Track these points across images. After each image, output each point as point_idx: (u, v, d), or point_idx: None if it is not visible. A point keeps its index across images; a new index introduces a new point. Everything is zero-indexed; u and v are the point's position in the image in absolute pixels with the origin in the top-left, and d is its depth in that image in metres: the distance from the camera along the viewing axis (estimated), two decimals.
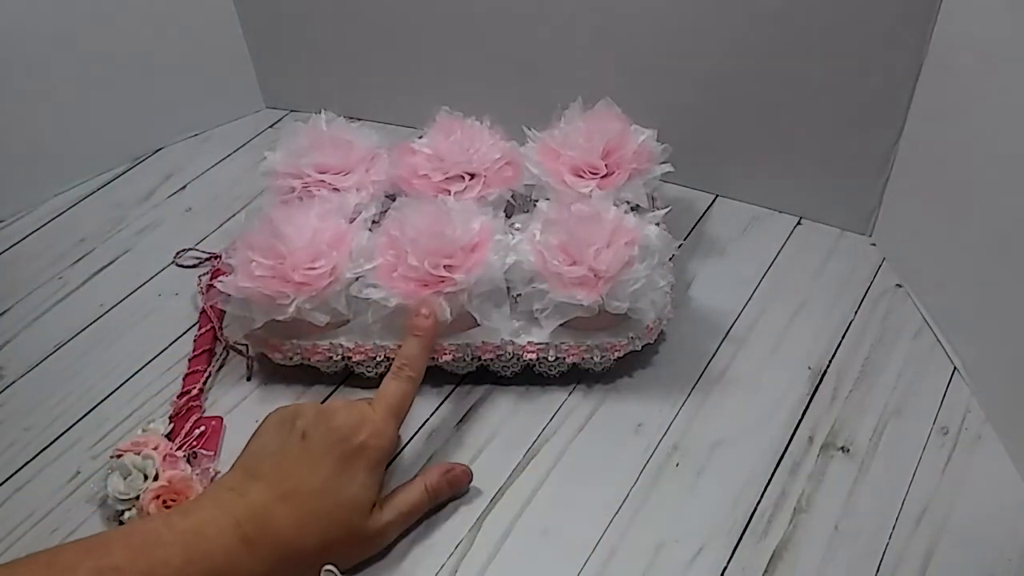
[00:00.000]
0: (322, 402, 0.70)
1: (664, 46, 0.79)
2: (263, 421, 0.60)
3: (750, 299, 0.77)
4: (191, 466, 0.64)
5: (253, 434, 0.59)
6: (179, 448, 0.65)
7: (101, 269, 0.83)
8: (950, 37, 0.67)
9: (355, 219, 0.71)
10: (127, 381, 0.73)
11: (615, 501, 0.63)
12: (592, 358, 0.68)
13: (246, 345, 0.72)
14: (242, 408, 0.70)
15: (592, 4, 0.79)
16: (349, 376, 0.71)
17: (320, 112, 0.77)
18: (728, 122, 0.81)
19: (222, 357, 0.74)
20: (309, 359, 0.69)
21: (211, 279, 0.77)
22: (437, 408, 0.70)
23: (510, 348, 0.68)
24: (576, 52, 0.83)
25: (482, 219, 0.68)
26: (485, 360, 0.69)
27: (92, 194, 0.90)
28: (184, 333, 0.76)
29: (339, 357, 0.69)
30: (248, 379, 0.72)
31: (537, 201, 0.72)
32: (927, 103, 0.71)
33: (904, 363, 0.71)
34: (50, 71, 0.85)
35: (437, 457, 0.66)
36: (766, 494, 0.63)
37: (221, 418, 0.69)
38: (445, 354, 0.68)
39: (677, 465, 0.65)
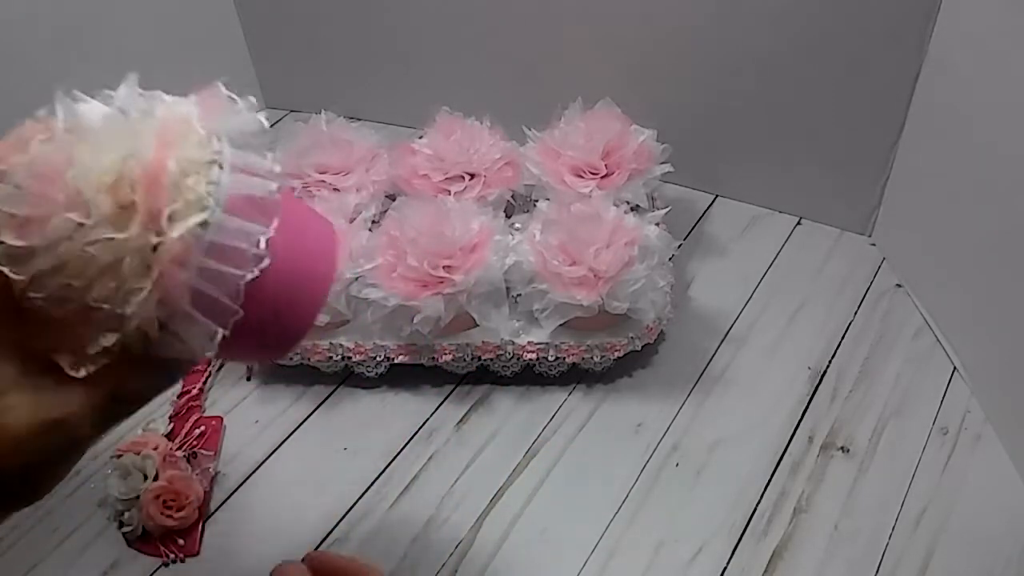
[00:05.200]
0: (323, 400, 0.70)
1: (664, 46, 0.79)
2: None
3: (750, 299, 0.77)
4: (191, 466, 0.64)
5: None
6: (179, 448, 0.65)
7: None
8: (950, 37, 0.67)
9: (355, 219, 0.71)
10: None
11: (615, 501, 0.63)
12: (592, 358, 0.68)
13: None
14: (242, 408, 0.70)
15: (592, 4, 0.79)
16: (349, 376, 0.71)
17: (320, 112, 0.77)
18: (728, 122, 0.81)
19: None
20: (309, 359, 0.69)
21: None
22: (437, 408, 0.70)
23: (510, 348, 0.68)
24: (576, 52, 0.83)
25: (482, 219, 0.68)
26: (485, 360, 0.69)
27: None
28: None
29: (339, 357, 0.69)
30: (248, 379, 0.72)
31: (537, 201, 0.72)
32: (927, 103, 0.71)
33: (904, 363, 0.71)
34: (50, 71, 0.85)
35: (438, 457, 0.67)
36: (766, 494, 0.63)
37: (221, 418, 0.69)
38: (445, 354, 0.68)
39: (677, 465, 0.65)
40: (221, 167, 0.35)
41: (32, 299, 0.34)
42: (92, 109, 0.36)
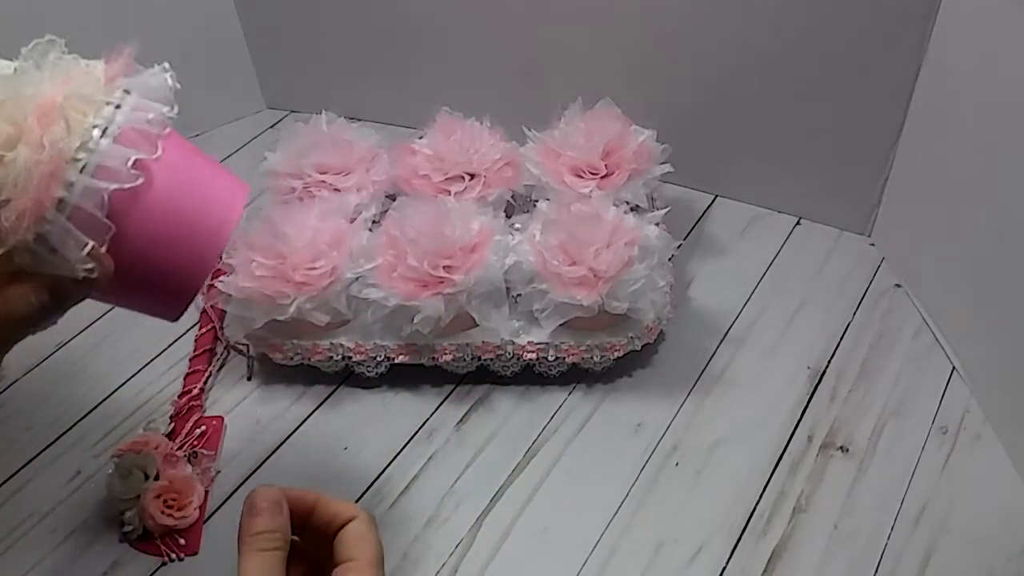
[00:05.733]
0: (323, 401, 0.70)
1: (664, 46, 0.79)
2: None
3: (750, 299, 0.77)
4: (192, 466, 0.64)
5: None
6: (180, 448, 0.65)
7: None
8: (950, 37, 0.67)
9: (355, 219, 0.71)
10: (128, 381, 0.73)
11: (615, 501, 0.63)
12: (592, 358, 0.68)
13: (247, 345, 0.72)
14: (242, 408, 0.70)
15: (592, 4, 0.79)
16: (349, 376, 0.71)
17: (320, 112, 0.78)
18: (728, 122, 0.81)
19: (223, 357, 0.74)
20: (309, 359, 0.69)
21: (212, 279, 0.77)
22: (437, 408, 0.70)
23: (510, 348, 0.68)
24: (576, 52, 0.83)
25: (482, 220, 0.68)
26: (485, 360, 0.69)
27: None
28: (185, 333, 0.76)
29: (339, 357, 0.69)
30: (249, 379, 0.72)
31: (537, 201, 0.73)
32: (927, 103, 0.71)
33: (903, 363, 0.71)
34: None
35: (438, 457, 0.67)
36: (765, 494, 0.63)
37: (222, 418, 0.69)
38: (445, 354, 0.68)
39: (677, 465, 0.65)
40: (119, 107, 0.42)
41: None
42: (9, 64, 0.43)
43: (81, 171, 0.40)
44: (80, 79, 0.42)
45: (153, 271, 0.44)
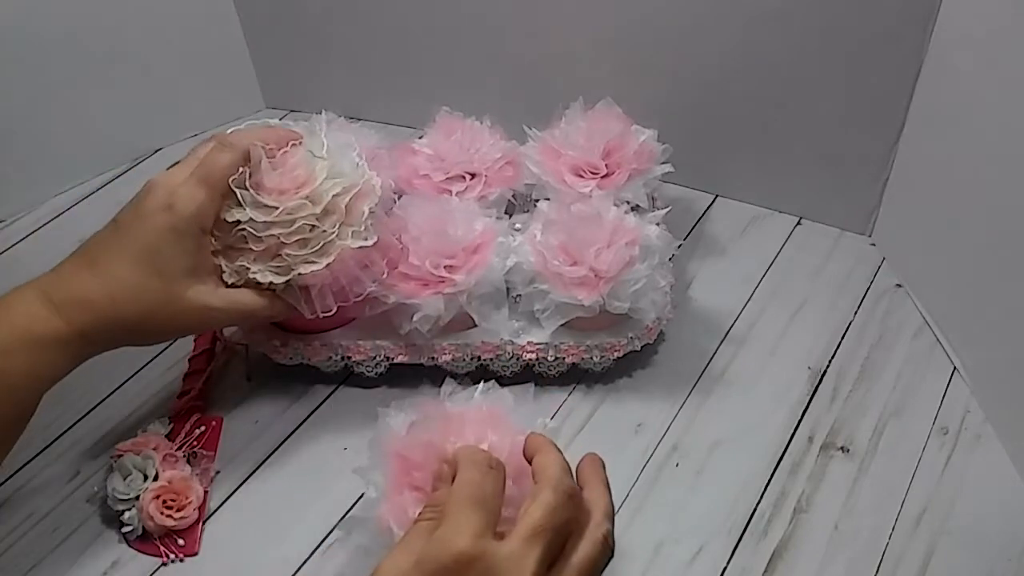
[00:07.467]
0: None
1: (664, 46, 0.79)
2: None
3: (750, 299, 0.77)
4: (191, 466, 0.64)
5: None
6: (179, 448, 0.65)
7: None
8: (950, 37, 0.67)
9: None
10: (127, 381, 0.72)
11: (615, 501, 0.63)
12: (592, 358, 0.68)
13: (246, 345, 0.72)
14: (242, 408, 0.70)
15: (592, 4, 0.79)
16: (349, 376, 0.71)
17: (320, 112, 0.77)
18: (728, 122, 0.81)
19: (222, 357, 0.74)
20: (309, 359, 0.69)
21: None
22: None
23: (510, 348, 0.68)
24: (576, 52, 0.83)
25: (485, 220, 0.68)
26: (485, 360, 0.69)
27: (92, 194, 0.90)
28: None
29: (339, 357, 0.69)
30: (248, 379, 0.72)
31: (537, 201, 0.72)
32: (927, 103, 0.71)
33: (904, 363, 0.71)
34: (50, 71, 0.85)
35: None
36: (766, 494, 0.63)
37: (221, 418, 0.69)
38: (445, 354, 0.68)
39: (677, 465, 0.65)
40: (374, 212, 0.60)
41: (244, 231, 0.57)
42: (334, 140, 0.62)
43: (356, 260, 0.60)
44: (371, 190, 0.61)
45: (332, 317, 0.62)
